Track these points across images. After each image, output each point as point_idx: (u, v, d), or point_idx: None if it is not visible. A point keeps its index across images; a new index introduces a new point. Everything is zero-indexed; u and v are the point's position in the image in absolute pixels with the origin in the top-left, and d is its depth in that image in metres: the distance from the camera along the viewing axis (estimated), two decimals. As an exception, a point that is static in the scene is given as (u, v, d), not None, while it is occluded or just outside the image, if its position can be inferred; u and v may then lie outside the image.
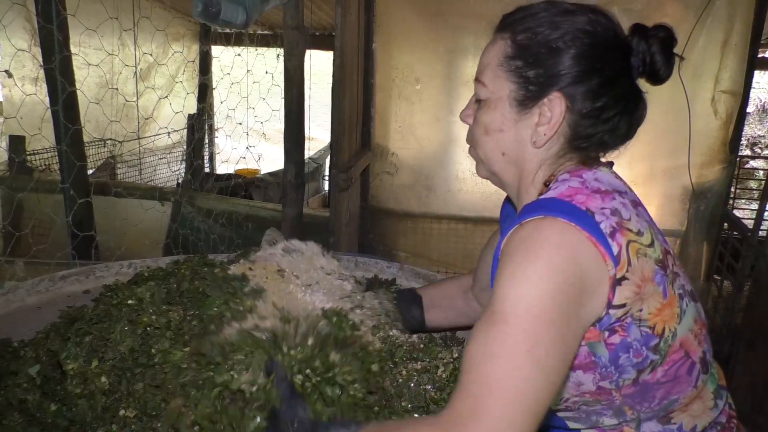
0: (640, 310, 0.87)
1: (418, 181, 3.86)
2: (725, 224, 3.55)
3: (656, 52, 0.94)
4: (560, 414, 0.98)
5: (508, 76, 0.96)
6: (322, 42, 5.81)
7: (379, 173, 3.86)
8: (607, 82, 0.93)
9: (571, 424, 0.98)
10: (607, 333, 0.87)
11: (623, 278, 0.85)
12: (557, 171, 0.98)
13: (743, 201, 6.38)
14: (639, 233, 0.89)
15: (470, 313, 1.40)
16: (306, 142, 2.69)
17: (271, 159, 6.17)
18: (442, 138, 3.81)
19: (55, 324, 1.13)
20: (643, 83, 0.99)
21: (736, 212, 4.08)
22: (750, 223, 3.15)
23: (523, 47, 0.95)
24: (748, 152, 9.71)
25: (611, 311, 0.86)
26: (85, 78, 3.21)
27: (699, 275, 3.60)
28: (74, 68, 2.32)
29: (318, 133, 7.13)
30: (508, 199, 1.20)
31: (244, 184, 4.78)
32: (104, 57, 3.71)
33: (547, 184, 0.97)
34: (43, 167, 4.08)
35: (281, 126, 2.55)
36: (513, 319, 0.78)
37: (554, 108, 0.93)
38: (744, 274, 3.06)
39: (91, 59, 3.44)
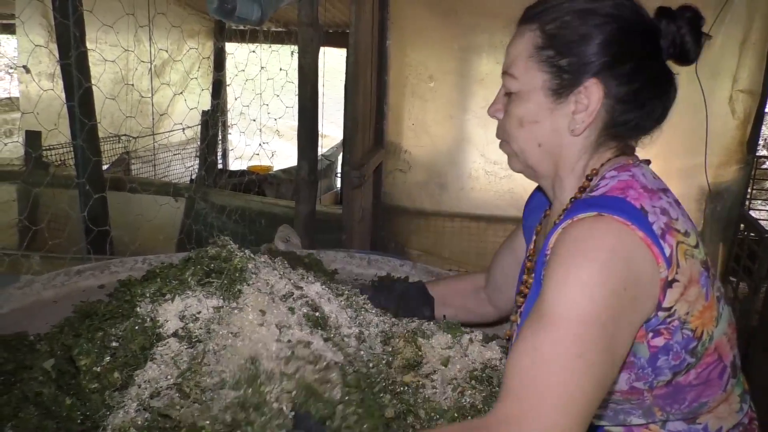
0: (687, 313, 0.86)
1: (431, 179, 3.85)
2: (741, 225, 3.50)
3: (685, 33, 0.94)
4: None
5: (540, 66, 0.95)
6: (335, 39, 5.81)
7: (391, 171, 3.85)
8: (640, 66, 0.93)
9: (596, 421, 0.97)
10: (651, 334, 0.86)
11: (674, 280, 0.84)
12: (599, 164, 0.97)
13: (760, 202, 6.29)
14: (686, 234, 0.88)
15: (481, 313, 1.37)
16: (319, 139, 2.69)
17: (284, 156, 6.19)
18: (455, 136, 3.80)
19: (69, 318, 1.14)
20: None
21: (752, 213, 4.03)
22: (767, 225, 3.11)
23: (552, 36, 0.94)
24: (765, 152, 9.60)
25: (660, 313, 0.85)
26: (101, 74, 3.23)
27: (714, 276, 3.56)
28: (90, 64, 2.33)
29: (330, 131, 7.14)
30: (538, 189, 1.19)
31: (257, 180, 4.79)
32: (120, 53, 3.74)
33: (590, 178, 0.97)
34: (59, 162, 4.12)
35: (294, 123, 2.56)
36: (565, 324, 0.77)
37: (591, 95, 0.92)
38: (760, 276, 3.02)
39: (107, 55, 3.47)
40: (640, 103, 0.94)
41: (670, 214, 0.87)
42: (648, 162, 1.00)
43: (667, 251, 0.83)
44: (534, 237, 1.15)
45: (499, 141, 1.07)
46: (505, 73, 1.00)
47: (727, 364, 0.93)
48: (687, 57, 0.95)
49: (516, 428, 0.73)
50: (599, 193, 0.90)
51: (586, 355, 0.75)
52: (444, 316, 1.35)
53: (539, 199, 1.19)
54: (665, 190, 0.93)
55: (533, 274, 1.02)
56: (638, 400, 0.91)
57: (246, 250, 1.19)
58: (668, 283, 0.84)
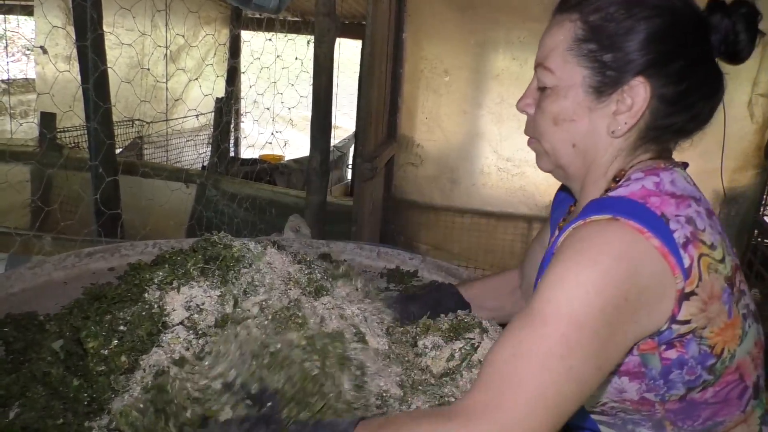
0: (704, 328, 0.81)
1: (442, 174, 3.84)
2: (756, 231, 3.47)
3: (740, 30, 0.87)
4: (594, 417, 0.93)
5: (580, 60, 0.88)
6: (351, 30, 5.79)
7: (403, 164, 3.84)
8: (690, 64, 0.86)
9: (604, 429, 0.93)
10: (664, 346, 0.81)
11: (692, 293, 0.79)
12: (629, 166, 0.91)
13: (774, 208, 6.23)
14: (712, 247, 0.82)
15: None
16: (332, 130, 2.69)
17: (296, 146, 6.19)
18: (468, 131, 3.78)
19: (78, 300, 1.15)
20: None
21: (767, 219, 3.99)
22: (781, 231, 3.07)
23: (596, 28, 0.87)
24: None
25: (674, 326, 0.80)
26: (117, 57, 3.23)
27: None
28: (106, 47, 2.34)
29: (343, 122, 7.12)
30: (563, 187, 1.13)
31: (268, 169, 4.80)
32: (136, 37, 3.74)
33: (617, 180, 0.90)
34: (73, 145, 4.14)
35: (308, 113, 2.55)
36: (553, 322, 0.74)
37: (637, 94, 0.85)
38: (773, 283, 2.99)
39: (124, 39, 3.47)
40: (688, 105, 0.88)
41: (696, 224, 0.81)
42: (685, 165, 0.93)
43: (686, 262, 0.78)
44: (556, 233, 1.10)
45: (528, 138, 1.00)
46: (540, 65, 0.92)
47: (749, 385, 0.88)
48: (739, 56, 0.89)
49: (481, 418, 0.70)
50: (618, 195, 0.85)
51: (568, 358, 0.72)
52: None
53: (565, 195, 1.14)
54: (697, 199, 0.86)
55: None
56: (649, 411, 0.87)
57: (247, 241, 1.18)
58: (685, 296, 0.79)
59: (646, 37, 0.85)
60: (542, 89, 0.93)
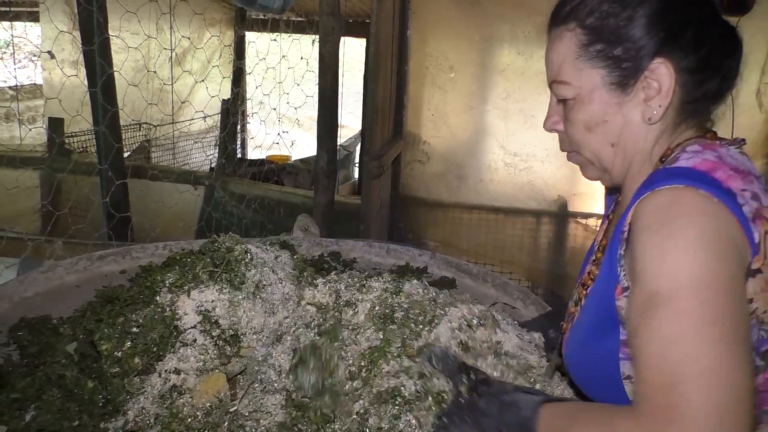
0: (765, 312, 0.78)
1: (449, 170, 3.84)
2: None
3: None
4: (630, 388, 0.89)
5: (593, 63, 0.88)
6: (355, 29, 5.78)
7: (410, 161, 3.84)
8: (701, 28, 0.85)
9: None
10: None
11: (758, 271, 0.76)
12: (674, 144, 0.89)
13: (785, 198, 6.17)
14: None
15: None
16: (338, 129, 2.69)
17: (302, 146, 6.20)
18: (474, 127, 3.78)
19: (91, 303, 1.15)
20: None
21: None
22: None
23: (597, 29, 0.88)
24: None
25: None
26: (124, 61, 3.25)
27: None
28: (113, 51, 2.34)
29: (349, 121, 7.13)
30: (609, 190, 1.11)
31: (275, 170, 4.80)
32: (142, 40, 3.76)
33: (663, 160, 0.89)
34: (81, 149, 4.16)
35: (314, 113, 2.56)
36: (681, 293, 0.68)
37: (661, 75, 0.85)
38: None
39: (129, 42, 3.49)
40: (714, 67, 0.87)
41: (761, 200, 0.79)
42: (741, 142, 0.90)
43: (756, 237, 0.75)
44: (605, 224, 1.08)
45: (566, 154, 0.99)
46: (554, 82, 0.93)
47: None
48: (744, 4, 0.89)
49: (672, 418, 0.63)
50: (682, 166, 0.81)
51: (719, 320, 0.66)
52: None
53: (613, 198, 1.12)
54: (757, 176, 0.83)
55: (599, 265, 0.96)
56: None
57: (249, 246, 1.18)
58: (751, 272, 0.75)
59: (647, 19, 0.85)
60: (564, 102, 0.94)
